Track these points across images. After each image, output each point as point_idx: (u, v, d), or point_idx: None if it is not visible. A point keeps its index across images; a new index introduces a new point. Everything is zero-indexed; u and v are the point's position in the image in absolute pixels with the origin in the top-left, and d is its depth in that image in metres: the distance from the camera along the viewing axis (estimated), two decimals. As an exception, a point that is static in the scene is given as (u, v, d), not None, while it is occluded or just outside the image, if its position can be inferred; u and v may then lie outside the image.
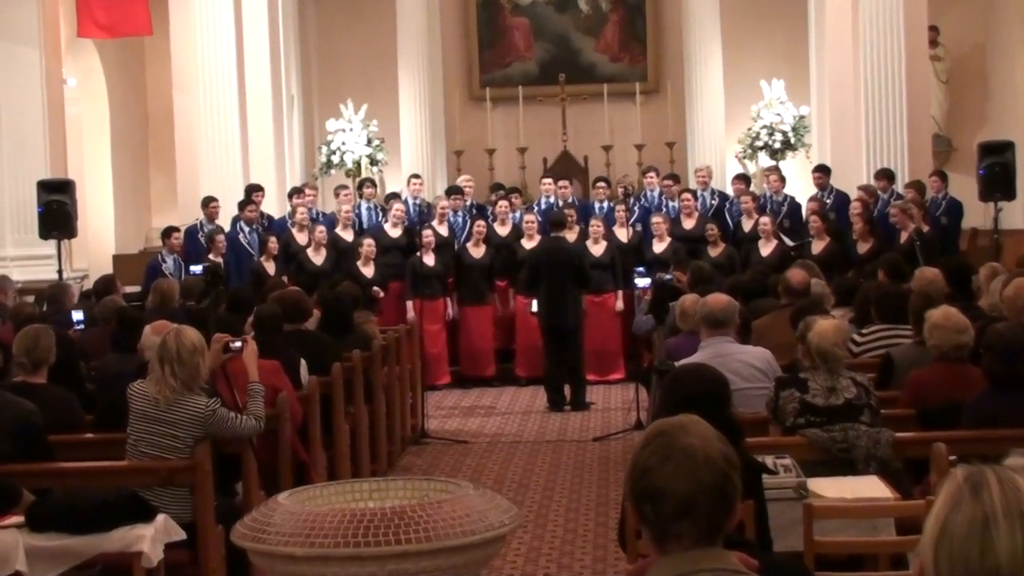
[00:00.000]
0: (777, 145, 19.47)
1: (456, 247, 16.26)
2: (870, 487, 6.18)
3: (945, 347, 7.28)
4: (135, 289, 14.21)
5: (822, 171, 16.91)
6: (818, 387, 6.83)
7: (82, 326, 11.14)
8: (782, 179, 17.16)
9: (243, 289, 12.73)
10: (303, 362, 9.25)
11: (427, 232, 15.77)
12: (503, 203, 16.70)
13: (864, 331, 9.21)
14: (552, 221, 14.90)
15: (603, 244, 15.59)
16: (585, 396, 14.31)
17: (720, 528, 2.79)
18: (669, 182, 17.46)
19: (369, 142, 20.11)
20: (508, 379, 16.06)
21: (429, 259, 15.47)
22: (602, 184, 17.54)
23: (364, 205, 17.44)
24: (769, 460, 6.09)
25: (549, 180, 17.67)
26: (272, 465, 8.09)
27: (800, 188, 18.32)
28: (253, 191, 16.65)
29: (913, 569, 2.22)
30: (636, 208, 17.08)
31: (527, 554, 8.60)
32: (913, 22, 17.02)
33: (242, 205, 16.35)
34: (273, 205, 17.67)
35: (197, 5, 17.34)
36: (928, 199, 15.85)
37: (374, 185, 18.24)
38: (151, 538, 6.37)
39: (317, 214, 17.26)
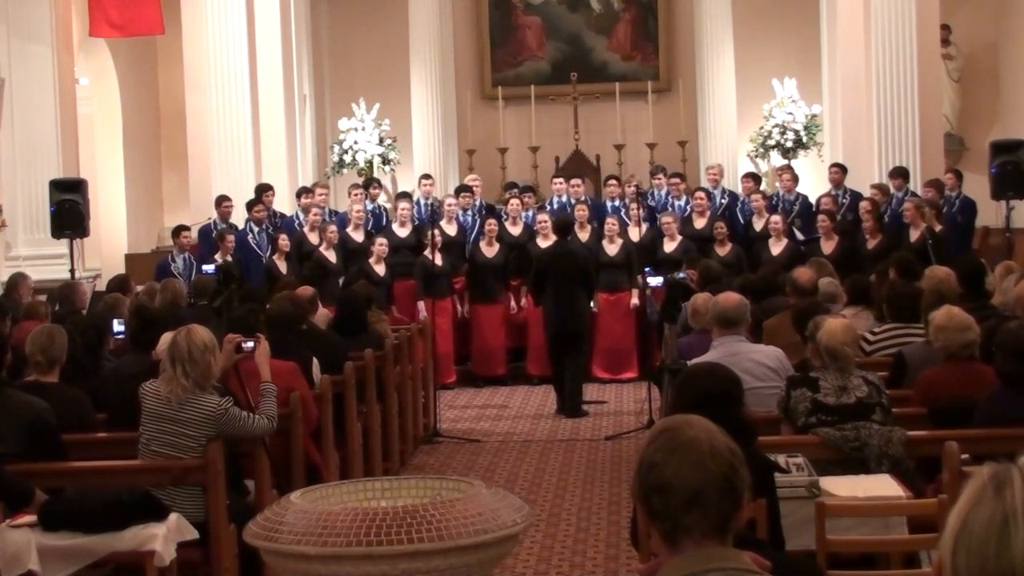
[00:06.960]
0: (789, 144, 19.44)
1: (467, 246, 16.24)
2: (882, 486, 6.18)
3: (953, 347, 7.28)
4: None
5: (839, 168, 16.83)
6: (829, 386, 6.82)
7: (123, 336, 9.97)
8: (795, 178, 17.11)
9: (256, 288, 12.73)
10: (315, 361, 9.27)
11: (434, 231, 15.70)
12: (514, 202, 16.67)
13: (876, 330, 9.20)
14: (557, 225, 14.58)
15: (618, 243, 15.53)
16: (580, 403, 13.92)
17: (729, 521, 2.81)
18: (676, 180, 17.41)
19: (381, 141, 20.14)
20: (520, 378, 16.05)
21: (437, 258, 15.44)
22: (613, 183, 17.49)
23: (370, 205, 17.42)
24: (781, 459, 6.09)
25: (560, 180, 17.62)
26: (285, 464, 8.10)
27: (812, 187, 18.29)
28: (263, 191, 16.64)
29: (933, 564, 2.21)
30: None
31: (539, 553, 8.60)
32: (925, 21, 17.00)
33: (250, 205, 16.32)
34: (285, 204, 17.67)
35: (209, 4, 17.34)
36: (942, 197, 15.82)
37: (380, 185, 18.21)
38: (163, 537, 6.38)
39: (330, 213, 17.26)
